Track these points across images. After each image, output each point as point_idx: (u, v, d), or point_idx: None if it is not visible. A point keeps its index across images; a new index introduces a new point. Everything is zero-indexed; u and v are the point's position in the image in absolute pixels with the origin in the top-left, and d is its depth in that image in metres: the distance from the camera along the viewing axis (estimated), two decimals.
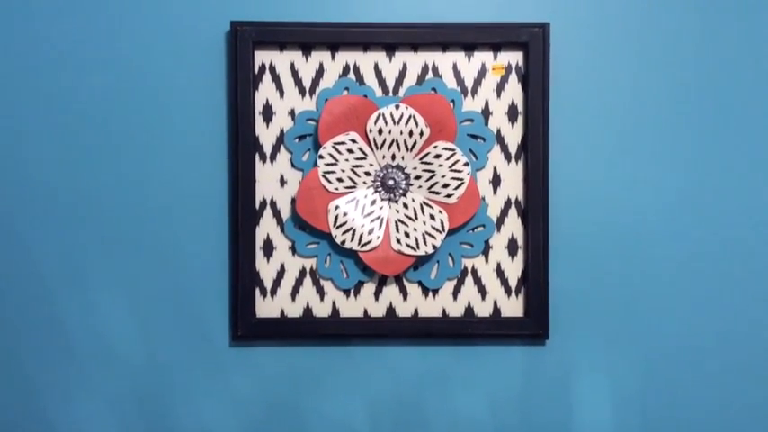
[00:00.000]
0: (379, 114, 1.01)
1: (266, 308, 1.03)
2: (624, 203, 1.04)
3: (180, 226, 1.02)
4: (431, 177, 1.01)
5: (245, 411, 1.04)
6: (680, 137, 1.04)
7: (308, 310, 1.04)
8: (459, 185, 1.01)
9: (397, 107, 1.01)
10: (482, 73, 1.03)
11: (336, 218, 1.01)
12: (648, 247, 1.04)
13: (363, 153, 1.02)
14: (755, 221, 1.04)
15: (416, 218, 1.02)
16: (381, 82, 1.03)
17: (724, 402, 1.05)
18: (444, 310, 1.04)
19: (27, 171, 1.02)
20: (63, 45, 1.01)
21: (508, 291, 1.04)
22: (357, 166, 1.02)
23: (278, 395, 1.04)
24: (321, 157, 1.01)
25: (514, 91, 1.03)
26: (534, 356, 1.05)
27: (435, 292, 1.04)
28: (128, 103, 1.02)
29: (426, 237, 1.01)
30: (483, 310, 1.04)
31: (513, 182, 1.03)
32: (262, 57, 1.02)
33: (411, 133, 1.01)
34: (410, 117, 1.00)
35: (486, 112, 1.03)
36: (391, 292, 1.04)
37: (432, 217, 1.01)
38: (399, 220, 1.02)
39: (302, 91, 1.03)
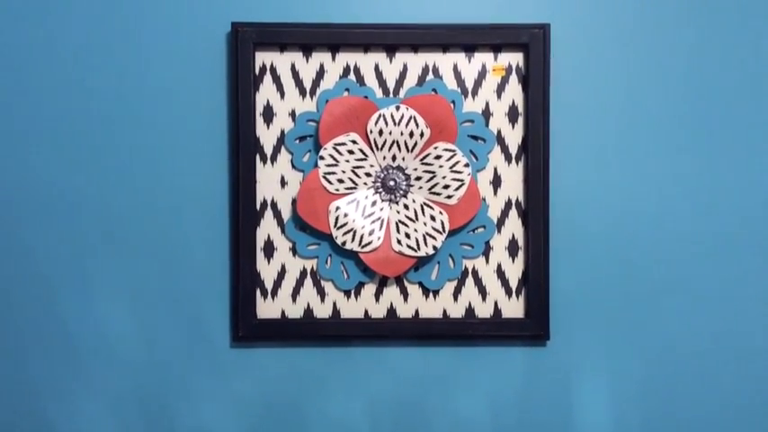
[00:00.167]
0: (380, 115, 1.01)
1: (267, 309, 1.03)
2: (624, 204, 1.04)
3: (181, 227, 1.02)
4: (431, 178, 1.01)
5: (246, 412, 1.04)
6: (680, 137, 1.04)
7: (308, 311, 1.04)
8: (460, 186, 1.01)
9: (398, 108, 1.01)
10: (482, 74, 1.03)
11: (337, 219, 1.01)
12: (649, 247, 1.04)
13: (364, 154, 1.02)
14: (757, 222, 1.04)
15: (417, 219, 1.02)
16: (382, 83, 1.03)
17: (724, 403, 1.05)
18: (445, 311, 1.04)
19: (28, 172, 1.02)
20: (64, 46, 1.01)
21: (509, 292, 1.04)
22: (358, 167, 1.02)
23: (279, 396, 1.04)
24: (322, 157, 1.01)
25: (515, 92, 1.03)
26: (535, 357, 1.05)
27: (436, 293, 1.04)
28: (128, 104, 1.02)
29: (427, 238, 1.01)
30: (483, 311, 1.04)
31: (514, 183, 1.04)
32: (262, 57, 1.02)
33: (411, 134, 1.01)
34: (411, 118, 1.00)
35: (486, 113, 1.03)
36: (392, 293, 1.04)
37: (432, 218, 1.01)
38: (400, 221, 1.02)
39: (303, 92, 1.03)
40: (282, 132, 1.03)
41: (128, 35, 1.02)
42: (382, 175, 1.02)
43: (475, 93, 1.03)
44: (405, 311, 1.04)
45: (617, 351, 1.05)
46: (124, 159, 1.02)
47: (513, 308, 1.04)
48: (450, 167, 1.01)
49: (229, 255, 1.03)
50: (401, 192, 1.02)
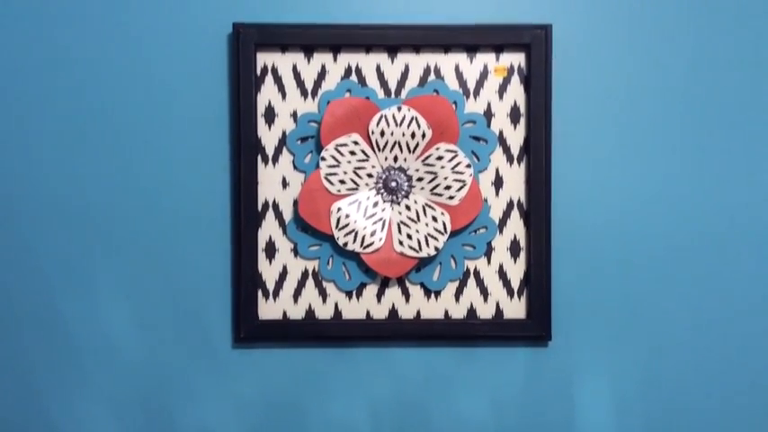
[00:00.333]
0: (382, 116, 1.00)
1: (268, 310, 1.03)
2: (626, 205, 1.04)
3: (182, 228, 1.02)
4: (433, 179, 1.01)
5: (248, 413, 1.04)
6: (682, 138, 1.04)
7: (310, 312, 1.04)
8: (462, 187, 1.01)
9: (400, 109, 1.00)
10: (484, 74, 1.03)
11: (339, 220, 1.01)
12: (650, 248, 1.04)
13: (365, 155, 1.02)
14: (758, 222, 1.04)
15: (419, 220, 1.02)
16: (383, 83, 1.03)
17: (726, 403, 1.05)
18: (447, 312, 1.04)
19: (30, 173, 1.02)
20: (65, 47, 1.01)
21: (510, 292, 1.04)
22: (359, 168, 1.02)
23: (280, 397, 1.04)
24: (323, 158, 1.01)
25: (517, 92, 1.03)
26: (536, 358, 1.05)
27: (438, 293, 1.04)
28: (130, 105, 1.02)
29: (429, 238, 1.01)
30: (485, 311, 1.04)
31: (516, 183, 1.03)
32: (264, 58, 1.02)
33: (413, 135, 1.01)
34: (412, 119, 1.00)
35: (488, 114, 1.03)
36: (393, 293, 1.04)
37: (434, 219, 1.01)
38: (402, 222, 1.02)
39: (304, 93, 1.03)
40: (284, 133, 1.03)
41: (129, 36, 1.02)
42: (384, 176, 1.02)
43: (477, 93, 1.03)
44: (406, 312, 1.04)
45: (619, 351, 1.05)
46: (126, 160, 1.02)
47: (515, 308, 1.04)
48: (452, 168, 1.01)
49: (231, 256, 1.03)
50: (403, 193, 1.02)
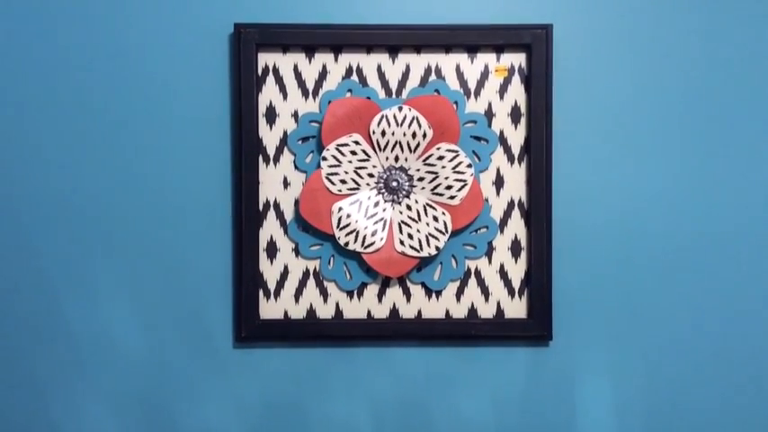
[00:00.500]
0: (383, 116, 1.01)
1: (270, 309, 1.03)
2: (627, 205, 1.04)
3: (183, 228, 1.03)
4: (434, 179, 1.02)
5: (249, 413, 1.04)
6: (683, 138, 1.04)
7: (311, 312, 1.04)
8: (463, 187, 1.01)
9: (401, 109, 1.01)
10: (485, 74, 1.03)
11: (340, 219, 1.01)
12: (651, 248, 1.04)
13: (366, 155, 1.02)
14: (759, 222, 1.04)
15: (420, 219, 1.02)
16: (384, 84, 1.03)
17: (727, 402, 1.05)
18: (448, 312, 1.04)
19: (32, 173, 1.02)
20: (66, 48, 1.01)
21: (511, 292, 1.04)
22: (360, 168, 1.02)
23: (281, 396, 1.04)
24: (324, 158, 1.01)
25: (517, 92, 1.03)
26: (537, 358, 1.05)
27: (439, 293, 1.04)
28: (131, 105, 1.02)
29: (430, 238, 1.01)
30: (486, 311, 1.04)
31: (517, 183, 1.04)
32: (265, 59, 1.02)
33: (414, 135, 1.01)
34: (413, 119, 1.01)
35: (489, 114, 1.03)
36: (395, 293, 1.04)
37: (435, 218, 1.01)
38: (403, 222, 1.02)
39: (305, 93, 1.03)
40: (285, 133, 1.03)
41: (130, 36, 1.02)
42: (385, 176, 1.02)
43: (477, 93, 1.03)
44: (407, 312, 1.04)
45: (619, 351, 1.05)
46: (127, 160, 1.02)
47: (516, 308, 1.04)
48: (453, 168, 1.01)
49: (232, 255, 1.03)
50: (404, 192, 1.02)
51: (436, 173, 1.01)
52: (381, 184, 1.02)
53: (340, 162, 1.01)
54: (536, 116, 1.01)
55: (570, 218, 1.03)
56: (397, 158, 1.02)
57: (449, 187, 1.01)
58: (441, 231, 1.01)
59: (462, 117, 1.02)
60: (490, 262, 1.04)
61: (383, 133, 1.01)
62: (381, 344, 1.04)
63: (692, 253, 1.04)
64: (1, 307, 1.03)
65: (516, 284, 1.04)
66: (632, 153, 1.04)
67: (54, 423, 1.04)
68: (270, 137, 1.03)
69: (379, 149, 1.02)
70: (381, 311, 1.04)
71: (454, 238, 1.02)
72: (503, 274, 1.04)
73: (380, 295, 1.04)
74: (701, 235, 1.04)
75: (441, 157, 1.01)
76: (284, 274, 1.04)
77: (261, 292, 1.03)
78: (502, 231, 1.04)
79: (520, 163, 1.04)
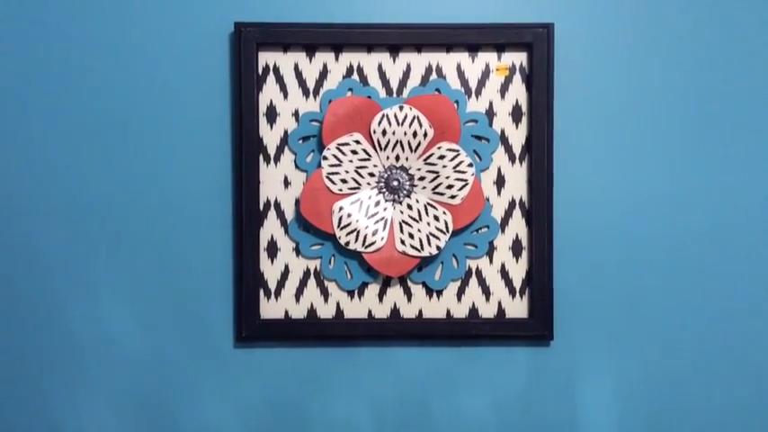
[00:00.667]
0: (383, 115, 1.00)
1: (270, 309, 1.03)
2: (628, 204, 1.04)
3: (184, 227, 1.02)
4: (435, 178, 1.01)
5: (250, 412, 1.04)
6: (684, 138, 1.04)
7: (312, 312, 1.04)
8: (464, 186, 1.01)
9: (401, 108, 1.00)
10: (486, 74, 1.03)
11: (340, 219, 1.01)
12: (652, 248, 1.04)
13: (367, 154, 1.01)
14: (760, 223, 1.04)
15: (421, 219, 1.01)
16: (385, 83, 1.02)
17: (728, 403, 1.05)
18: (448, 311, 1.04)
19: (32, 172, 1.02)
20: (67, 47, 1.01)
21: (512, 292, 1.04)
22: (361, 167, 1.02)
23: (282, 396, 1.04)
24: (325, 158, 1.01)
25: (518, 91, 1.03)
26: (538, 357, 1.05)
27: (439, 293, 1.04)
28: (131, 105, 1.02)
29: (430, 238, 1.01)
30: (487, 311, 1.04)
31: (518, 183, 1.03)
32: (265, 58, 1.02)
33: (415, 134, 1.01)
34: (414, 118, 1.00)
35: (490, 113, 1.03)
36: (395, 293, 1.04)
37: (436, 218, 1.01)
38: (403, 221, 1.02)
39: (306, 92, 1.03)
40: (286, 132, 1.03)
41: (131, 35, 1.02)
42: (386, 176, 1.02)
43: (478, 92, 1.03)
44: (408, 311, 1.04)
45: (620, 351, 1.05)
46: (127, 160, 1.02)
47: (517, 308, 1.04)
48: (454, 167, 1.01)
49: (233, 255, 1.03)
50: (405, 192, 1.02)
51: (437, 172, 1.01)
52: (382, 184, 1.02)
53: (341, 161, 1.01)
54: (537, 115, 1.01)
55: (571, 217, 1.03)
56: (397, 158, 1.02)
57: (450, 187, 1.01)
58: (441, 231, 1.01)
59: (463, 116, 1.02)
60: (491, 262, 1.04)
61: (384, 132, 1.01)
62: (382, 344, 1.04)
63: (692, 253, 1.04)
64: (1, 307, 1.03)
65: (517, 284, 1.04)
66: (633, 152, 1.03)
67: (54, 423, 1.04)
68: (270, 136, 1.03)
69: (380, 149, 1.01)
70: (382, 311, 1.04)
71: (455, 238, 1.02)
72: (504, 273, 1.04)
73: (381, 295, 1.04)
74: (702, 234, 1.04)
75: (441, 157, 1.01)
76: (285, 274, 1.03)
77: (261, 292, 1.03)
78: (503, 231, 1.04)
79: (521, 162, 1.03)
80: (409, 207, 1.02)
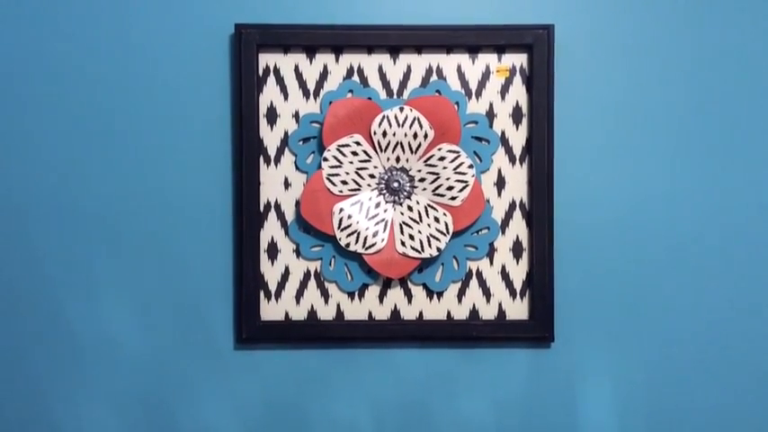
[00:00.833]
0: (384, 116, 1.00)
1: (271, 311, 1.03)
2: (629, 206, 1.03)
3: (184, 229, 1.02)
4: (435, 180, 1.01)
5: (250, 414, 1.04)
6: (685, 138, 1.04)
7: (312, 313, 1.04)
8: (464, 188, 1.01)
9: (402, 109, 1.00)
10: (486, 75, 1.03)
11: (341, 220, 1.01)
12: (654, 249, 1.04)
13: (368, 155, 1.01)
14: (762, 223, 1.04)
15: (421, 220, 1.01)
16: (386, 84, 1.02)
17: (729, 405, 1.05)
18: (449, 313, 1.04)
19: (33, 174, 1.02)
20: (67, 49, 1.01)
21: (513, 293, 1.04)
22: (361, 169, 1.01)
23: (282, 398, 1.04)
24: (325, 159, 1.01)
25: (519, 93, 1.03)
26: (539, 359, 1.04)
27: (440, 294, 1.04)
28: (132, 106, 1.02)
29: (431, 239, 1.01)
30: (488, 312, 1.04)
31: (518, 184, 1.03)
32: (266, 59, 1.02)
33: (415, 135, 1.01)
34: (414, 119, 1.00)
35: (490, 114, 1.03)
36: (396, 294, 1.03)
37: (436, 219, 1.01)
38: (404, 223, 1.02)
39: (306, 93, 1.03)
40: (286, 134, 1.03)
41: (131, 37, 1.02)
42: (386, 177, 1.02)
43: (479, 94, 1.03)
44: (409, 313, 1.04)
45: (621, 353, 1.04)
46: (128, 161, 1.02)
47: (518, 309, 1.04)
48: (454, 169, 1.01)
49: (233, 256, 1.03)
50: (405, 193, 1.02)
51: (437, 174, 1.01)
52: (382, 185, 1.02)
53: (341, 163, 1.01)
54: (537, 117, 1.01)
55: (572, 219, 1.03)
56: (398, 159, 1.02)
57: (450, 188, 1.01)
58: (442, 232, 1.01)
59: (463, 117, 1.02)
60: (491, 263, 1.04)
61: (384, 134, 1.01)
62: (382, 345, 1.04)
63: (693, 253, 1.04)
64: (1, 307, 1.03)
65: (518, 286, 1.04)
66: (634, 153, 1.03)
67: (55, 424, 1.03)
68: (271, 137, 1.03)
69: (380, 150, 1.01)
70: (382, 313, 1.04)
71: (455, 239, 1.02)
72: (504, 275, 1.04)
73: (381, 296, 1.03)
74: (703, 235, 1.04)
75: (442, 158, 1.01)
76: (285, 276, 1.03)
77: (262, 294, 1.03)
78: (503, 232, 1.04)
79: (521, 164, 1.03)
80: (410, 208, 1.02)
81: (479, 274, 1.04)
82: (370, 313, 1.04)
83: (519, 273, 1.04)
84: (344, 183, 1.01)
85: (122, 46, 1.02)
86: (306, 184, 1.02)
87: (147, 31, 1.02)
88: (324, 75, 1.02)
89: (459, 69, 1.03)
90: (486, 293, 1.04)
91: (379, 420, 1.04)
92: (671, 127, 1.03)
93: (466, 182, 1.01)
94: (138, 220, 1.02)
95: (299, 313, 1.04)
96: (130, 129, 1.02)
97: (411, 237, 1.01)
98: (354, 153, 1.01)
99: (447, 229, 1.01)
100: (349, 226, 1.01)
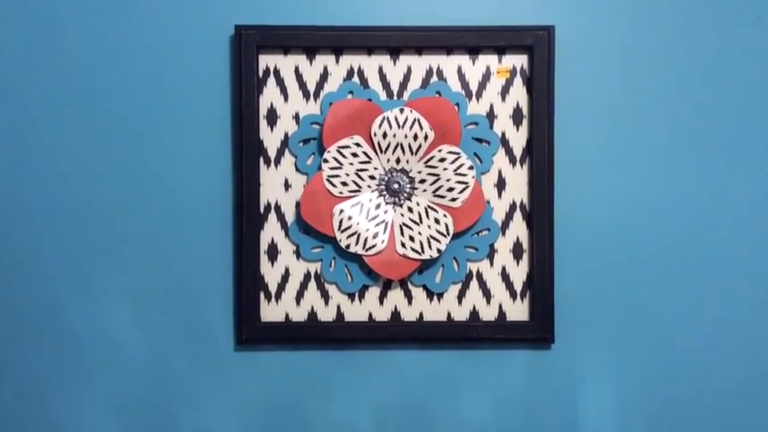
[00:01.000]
0: (384, 118, 1.00)
1: (271, 312, 1.03)
2: (629, 207, 1.03)
3: (184, 230, 1.02)
4: (435, 181, 1.01)
5: (250, 416, 1.04)
6: (685, 139, 1.03)
7: (312, 315, 1.04)
8: (464, 189, 1.01)
9: (402, 111, 1.00)
10: (487, 76, 1.03)
11: (341, 222, 1.01)
12: (654, 250, 1.04)
13: (368, 157, 1.01)
14: (762, 223, 1.04)
15: (421, 222, 1.01)
16: (386, 85, 1.02)
17: (730, 406, 1.05)
18: (449, 314, 1.04)
19: (33, 175, 1.02)
20: (67, 49, 1.01)
21: (513, 295, 1.04)
22: (362, 170, 1.01)
23: (283, 400, 1.04)
24: (326, 160, 1.01)
25: (519, 94, 1.03)
26: (539, 360, 1.04)
27: (440, 296, 1.04)
28: (131, 107, 1.02)
29: (431, 240, 1.01)
30: (488, 314, 1.04)
31: (518, 185, 1.03)
32: (266, 60, 1.02)
33: (416, 137, 1.01)
34: (415, 120, 1.00)
35: (490, 116, 1.03)
36: (396, 296, 1.03)
37: (436, 221, 1.01)
38: (404, 224, 1.02)
39: (306, 95, 1.02)
40: (286, 135, 1.02)
41: (131, 38, 1.01)
42: (386, 178, 1.02)
43: (479, 95, 1.03)
44: (409, 314, 1.04)
45: (622, 354, 1.04)
46: (127, 162, 1.02)
47: (518, 311, 1.04)
48: (455, 170, 1.01)
49: (233, 258, 1.03)
50: (405, 194, 1.02)
51: (438, 175, 1.01)
52: (383, 186, 1.02)
53: (341, 164, 1.01)
54: (538, 118, 1.01)
55: (572, 220, 1.03)
56: (398, 160, 1.02)
57: (450, 189, 1.01)
58: (442, 233, 1.01)
59: (464, 119, 1.02)
60: (492, 264, 1.04)
61: (384, 135, 1.01)
62: (383, 347, 1.04)
63: (694, 255, 1.04)
64: (2, 308, 1.02)
65: (518, 287, 1.04)
66: (634, 155, 1.03)
67: (55, 425, 1.03)
68: (271, 139, 1.02)
69: (381, 151, 1.01)
70: (383, 314, 1.03)
71: (456, 241, 1.02)
72: (504, 276, 1.04)
73: (382, 298, 1.03)
74: (704, 237, 1.04)
75: (442, 159, 1.01)
76: (285, 277, 1.03)
77: (262, 295, 1.03)
78: (503, 234, 1.04)
79: (522, 165, 1.03)
80: (410, 210, 1.02)
81: (480, 276, 1.04)
82: (370, 314, 1.04)
83: (519, 274, 1.04)
84: (345, 184, 1.01)
85: (122, 47, 1.01)
86: (306, 185, 1.02)
87: (147, 32, 1.01)
88: (324, 76, 1.02)
89: (459, 70, 1.02)
90: (487, 295, 1.04)
91: (379, 422, 1.04)
92: (671, 128, 1.03)
93: (466, 183, 1.00)
94: (139, 221, 1.02)
95: (299, 314, 1.04)
96: (130, 130, 1.02)
97: (411, 238, 1.01)
98: (354, 154, 1.01)
99: (447, 230, 1.01)
100: (349, 227, 1.01)
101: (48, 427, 1.03)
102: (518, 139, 1.03)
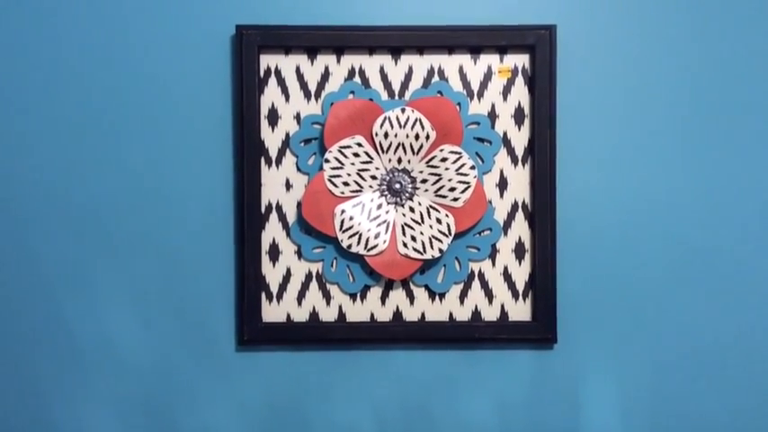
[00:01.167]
0: (385, 118, 1.00)
1: (272, 312, 1.03)
2: (632, 207, 1.03)
3: (185, 230, 1.02)
4: (437, 181, 1.01)
5: (252, 416, 1.04)
6: (688, 139, 1.03)
7: (314, 315, 1.03)
8: (466, 189, 1.00)
9: (403, 110, 1.00)
10: (488, 76, 1.03)
11: (342, 222, 1.00)
12: (656, 250, 1.03)
13: (369, 157, 1.01)
14: (763, 225, 1.04)
15: (423, 221, 1.01)
16: (387, 85, 1.02)
17: (733, 406, 1.04)
18: (451, 315, 1.04)
19: (33, 175, 1.02)
20: (68, 49, 1.01)
21: (515, 295, 1.04)
22: (363, 170, 1.01)
23: (284, 400, 1.04)
24: (327, 160, 1.00)
25: (521, 93, 1.03)
26: (542, 361, 1.04)
27: (442, 296, 1.03)
28: (133, 107, 1.02)
29: (433, 240, 1.01)
30: (490, 314, 1.04)
31: (520, 185, 1.03)
32: (267, 60, 1.02)
33: (417, 137, 1.00)
34: (416, 120, 1.00)
35: (492, 115, 1.03)
36: (398, 296, 1.03)
37: (438, 221, 1.01)
38: (406, 224, 1.01)
39: (308, 95, 1.02)
40: (287, 135, 1.02)
41: (132, 38, 1.01)
42: (388, 178, 1.02)
43: (481, 95, 1.03)
44: (411, 315, 1.03)
45: (624, 354, 1.04)
46: (129, 162, 1.02)
47: (520, 311, 1.04)
48: (456, 170, 1.00)
49: (234, 258, 1.02)
50: (407, 194, 1.02)
51: (439, 175, 1.01)
52: (384, 186, 1.02)
53: (342, 164, 1.01)
54: (540, 117, 1.01)
55: (574, 220, 1.03)
56: (399, 160, 1.02)
57: (452, 189, 1.01)
58: (444, 233, 1.01)
59: (465, 118, 1.02)
60: (494, 264, 1.03)
61: (386, 135, 1.00)
62: (384, 347, 1.04)
63: (697, 255, 1.04)
64: (1, 308, 1.02)
65: (520, 287, 1.03)
66: (637, 154, 1.03)
67: (55, 425, 1.03)
68: (272, 139, 1.02)
69: (382, 151, 1.01)
70: (384, 314, 1.03)
71: (457, 241, 1.02)
72: (507, 276, 1.03)
73: (383, 298, 1.03)
74: (707, 237, 1.04)
75: (444, 159, 1.01)
76: (287, 277, 1.03)
77: (263, 295, 1.03)
78: (506, 233, 1.03)
79: (524, 164, 1.03)
80: (411, 210, 1.02)
81: (482, 276, 1.03)
82: (372, 315, 1.03)
83: (521, 274, 1.03)
84: (346, 184, 1.01)
85: (123, 47, 1.01)
86: (307, 185, 1.02)
87: (147, 33, 1.01)
88: (325, 76, 1.02)
89: (460, 70, 1.02)
90: (489, 295, 1.04)
91: (381, 422, 1.04)
92: (674, 128, 1.03)
93: (468, 183, 1.00)
94: (140, 221, 1.02)
95: (300, 315, 1.03)
96: (131, 130, 1.02)
97: (413, 238, 1.01)
98: (356, 154, 1.01)
99: (449, 230, 1.01)
100: (351, 227, 1.01)
101: (48, 427, 1.03)
102: (520, 139, 1.03)
